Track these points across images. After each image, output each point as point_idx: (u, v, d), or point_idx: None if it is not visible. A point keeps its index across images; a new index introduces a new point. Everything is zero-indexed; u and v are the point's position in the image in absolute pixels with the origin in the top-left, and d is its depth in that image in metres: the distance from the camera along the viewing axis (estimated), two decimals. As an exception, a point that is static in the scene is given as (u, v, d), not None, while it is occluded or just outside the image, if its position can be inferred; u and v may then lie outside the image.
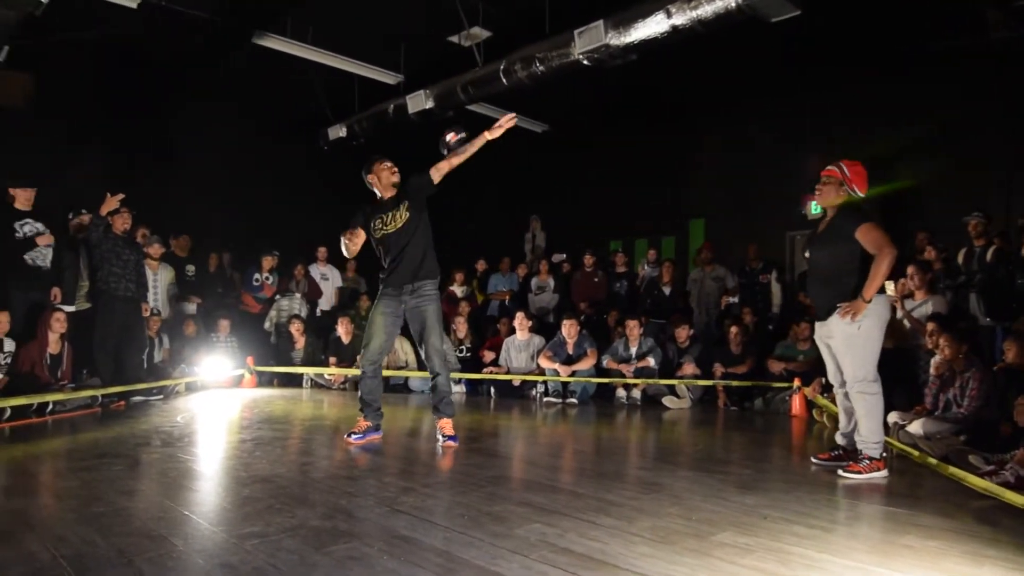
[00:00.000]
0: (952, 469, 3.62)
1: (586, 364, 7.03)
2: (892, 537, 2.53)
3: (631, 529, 2.53)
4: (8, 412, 4.89)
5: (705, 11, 5.94)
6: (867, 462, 3.53)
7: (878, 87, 8.37)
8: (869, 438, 3.57)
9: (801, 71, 8.56)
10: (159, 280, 7.51)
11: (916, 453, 4.14)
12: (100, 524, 2.51)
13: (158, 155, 9.34)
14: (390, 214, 4.36)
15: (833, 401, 5.47)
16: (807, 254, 3.90)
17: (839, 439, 3.93)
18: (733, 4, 5.76)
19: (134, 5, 6.79)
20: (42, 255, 6.04)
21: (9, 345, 5.39)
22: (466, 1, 7.56)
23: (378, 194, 4.48)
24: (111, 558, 2.16)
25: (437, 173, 4.34)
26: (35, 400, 5.13)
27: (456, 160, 4.38)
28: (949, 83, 7.80)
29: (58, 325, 5.62)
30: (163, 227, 7.90)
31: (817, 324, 3.83)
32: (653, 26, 6.28)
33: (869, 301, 3.48)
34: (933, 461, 3.88)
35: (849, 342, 3.58)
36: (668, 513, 2.77)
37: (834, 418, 5.50)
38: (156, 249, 7.37)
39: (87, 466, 3.54)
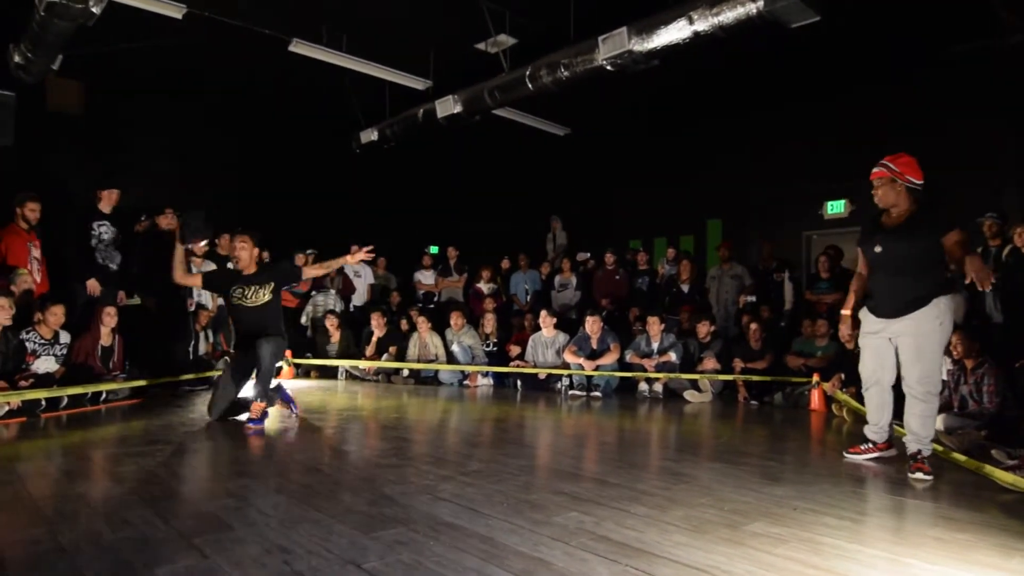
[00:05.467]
0: (976, 463, 3.67)
1: (610, 358, 7.13)
2: (921, 529, 2.60)
3: (665, 518, 2.61)
4: (65, 400, 5.10)
5: (727, 17, 6.02)
6: (926, 461, 3.58)
7: (894, 89, 8.37)
8: (928, 437, 3.62)
9: (819, 74, 8.60)
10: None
11: (939, 448, 4.18)
12: (159, 507, 2.64)
13: (202, 157, 9.60)
14: (253, 288, 4.83)
15: (852, 396, 5.55)
16: (878, 248, 3.70)
17: (872, 434, 3.91)
18: (754, 10, 5.83)
19: (179, 16, 6.99)
20: (111, 256, 6.28)
21: (65, 337, 5.59)
22: (493, 9, 7.69)
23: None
24: (173, 540, 2.28)
25: (306, 271, 5.29)
26: (90, 389, 5.34)
27: (322, 271, 5.20)
28: (965, 85, 7.80)
29: (109, 319, 5.85)
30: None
31: (875, 319, 3.73)
32: (675, 32, 6.36)
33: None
34: (960, 456, 3.91)
35: (930, 340, 3.53)
36: (700, 503, 2.85)
37: (854, 412, 5.57)
38: (200, 248, 7.55)
39: (142, 452, 3.69)
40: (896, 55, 8.03)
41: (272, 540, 2.29)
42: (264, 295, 4.84)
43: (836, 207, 9.21)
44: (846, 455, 3.94)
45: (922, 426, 3.59)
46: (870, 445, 3.90)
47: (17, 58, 7.54)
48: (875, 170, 3.71)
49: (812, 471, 3.64)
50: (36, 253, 6.30)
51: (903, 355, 3.61)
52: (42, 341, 5.43)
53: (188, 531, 2.37)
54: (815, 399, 6.22)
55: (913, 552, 2.31)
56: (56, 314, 5.45)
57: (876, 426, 3.89)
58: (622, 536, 2.39)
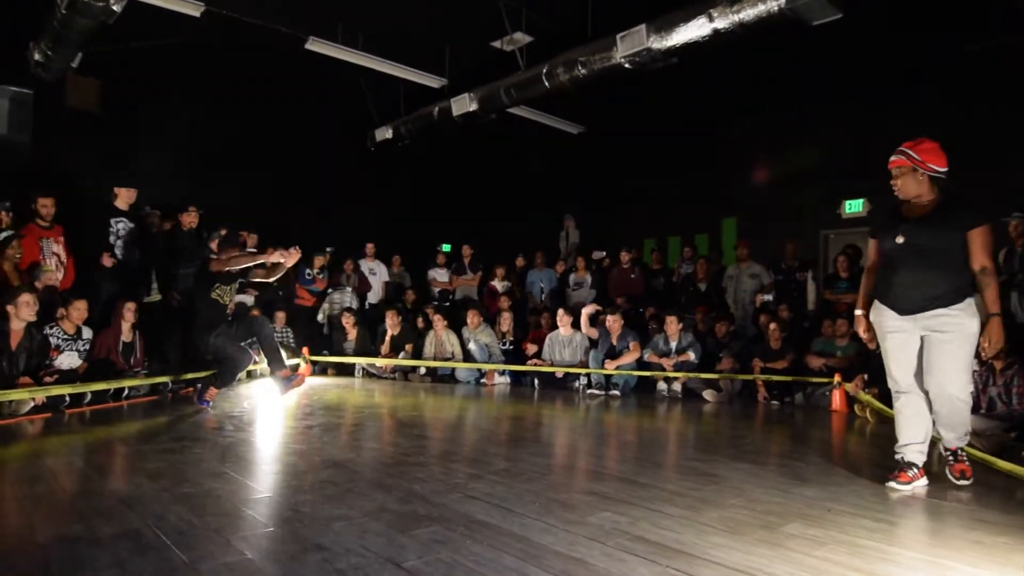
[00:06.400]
0: (1010, 466, 3.62)
1: (630, 358, 7.12)
2: (960, 532, 2.57)
3: (700, 519, 2.60)
4: (89, 396, 5.13)
5: (747, 14, 5.99)
6: (967, 459, 3.37)
7: (912, 87, 8.30)
8: (960, 441, 3.37)
9: (837, 72, 8.54)
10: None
11: (969, 449, 4.14)
12: (193, 504, 2.64)
13: (217, 155, 9.64)
14: (228, 288, 5.45)
15: (876, 397, 5.50)
16: (900, 239, 3.30)
17: (916, 455, 3.31)
18: (775, 7, 5.81)
19: (197, 14, 7.02)
20: (130, 251, 6.30)
21: (87, 333, 5.62)
22: (509, 7, 7.67)
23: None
24: (210, 536, 2.28)
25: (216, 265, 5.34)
26: (113, 385, 5.38)
27: (231, 265, 5.26)
28: (983, 82, 7.72)
29: (130, 315, 5.87)
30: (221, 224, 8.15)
31: (897, 316, 3.32)
32: (695, 29, 6.34)
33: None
34: (993, 458, 3.86)
35: (966, 342, 3.17)
36: (732, 504, 2.83)
37: (877, 413, 5.52)
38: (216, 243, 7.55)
39: (170, 448, 3.71)
40: (914, 53, 7.96)
41: (308, 538, 2.28)
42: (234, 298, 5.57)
43: (854, 206, 9.15)
44: (894, 485, 3.23)
45: (955, 429, 3.33)
46: (916, 471, 3.30)
47: (37, 56, 7.60)
48: (893, 158, 3.36)
49: (841, 472, 3.61)
50: (56, 249, 6.34)
51: (934, 356, 3.22)
52: (65, 336, 5.47)
53: (224, 528, 2.37)
54: (836, 399, 6.18)
55: (954, 555, 2.28)
56: (79, 309, 5.48)
57: (919, 444, 3.33)
58: (659, 537, 2.37)
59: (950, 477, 3.34)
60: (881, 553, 2.27)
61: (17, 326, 4.99)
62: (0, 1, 7.51)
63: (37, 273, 5.77)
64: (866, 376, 5.82)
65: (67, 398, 4.95)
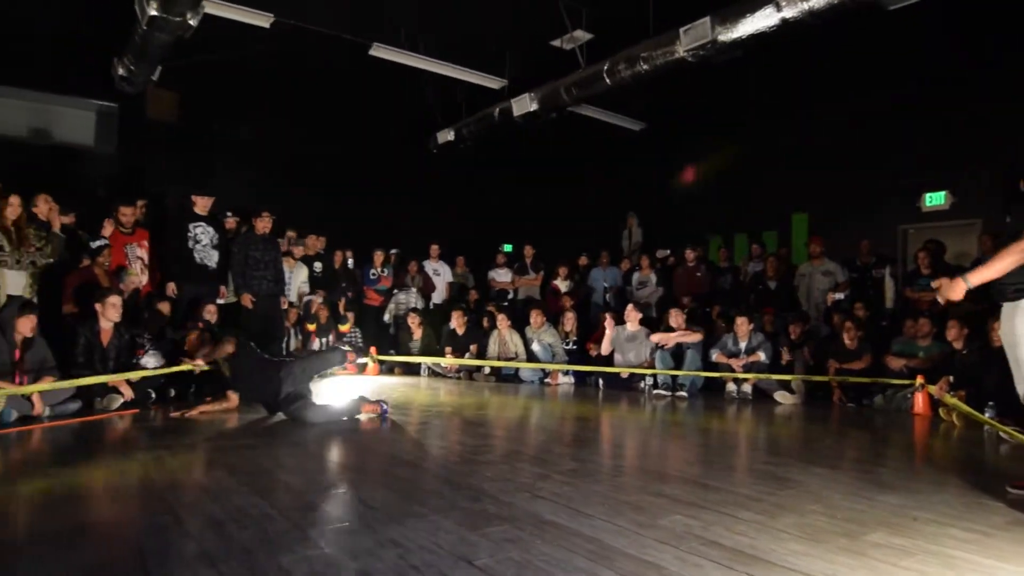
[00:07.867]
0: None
1: (693, 338, 7.09)
2: (1063, 545, 2.40)
3: (776, 525, 2.51)
4: (173, 393, 5.41)
5: (817, 2, 5.78)
6: None
7: (997, 73, 7.81)
8: None
9: (916, 58, 8.14)
10: (294, 277, 7.92)
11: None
12: (271, 498, 2.74)
13: (287, 160, 9.98)
14: None
15: (963, 400, 5.20)
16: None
17: None
18: (848, -7, 5.55)
19: (267, 25, 7.27)
20: (209, 255, 6.59)
21: (170, 333, 5.90)
22: (569, 5, 7.64)
23: None
24: (290, 530, 2.35)
25: None
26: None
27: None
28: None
29: (209, 316, 6.13)
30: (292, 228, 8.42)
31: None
32: (761, 20, 6.16)
33: (970, 286, 2.75)
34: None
35: (1014, 342, 2.86)
36: (810, 510, 2.73)
37: (964, 417, 5.22)
38: (300, 251, 7.80)
39: (246, 444, 3.86)
40: (999, 39, 7.50)
41: (383, 533, 2.32)
42: None
43: (936, 199, 8.70)
44: (1011, 490, 3.05)
45: None
46: None
47: (121, 71, 8.03)
48: None
49: (926, 479, 3.43)
50: (140, 253, 6.69)
51: None
52: (149, 337, 5.75)
53: (301, 521, 2.44)
54: (919, 402, 5.88)
55: (1060, 570, 2.13)
56: (162, 311, 5.76)
57: None
58: (733, 542, 2.31)
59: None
60: (976, 565, 2.14)
61: (106, 325, 5.30)
62: (87, 20, 7.95)
63: (122, 276, 6.10)
64: (951, 378, 5.52)
65: (153, 395, 5.21)
